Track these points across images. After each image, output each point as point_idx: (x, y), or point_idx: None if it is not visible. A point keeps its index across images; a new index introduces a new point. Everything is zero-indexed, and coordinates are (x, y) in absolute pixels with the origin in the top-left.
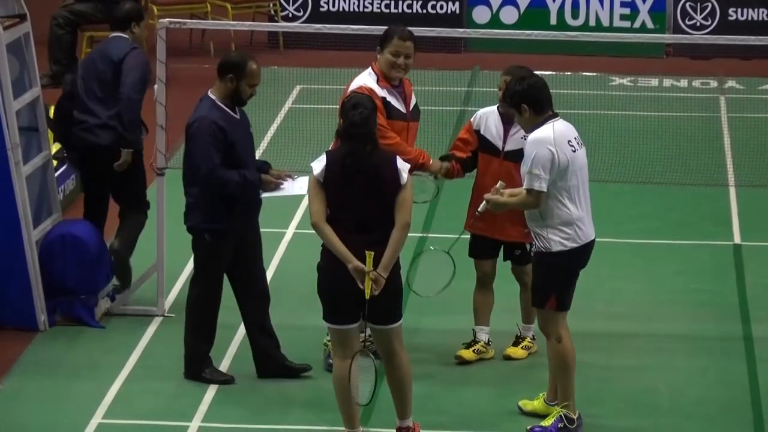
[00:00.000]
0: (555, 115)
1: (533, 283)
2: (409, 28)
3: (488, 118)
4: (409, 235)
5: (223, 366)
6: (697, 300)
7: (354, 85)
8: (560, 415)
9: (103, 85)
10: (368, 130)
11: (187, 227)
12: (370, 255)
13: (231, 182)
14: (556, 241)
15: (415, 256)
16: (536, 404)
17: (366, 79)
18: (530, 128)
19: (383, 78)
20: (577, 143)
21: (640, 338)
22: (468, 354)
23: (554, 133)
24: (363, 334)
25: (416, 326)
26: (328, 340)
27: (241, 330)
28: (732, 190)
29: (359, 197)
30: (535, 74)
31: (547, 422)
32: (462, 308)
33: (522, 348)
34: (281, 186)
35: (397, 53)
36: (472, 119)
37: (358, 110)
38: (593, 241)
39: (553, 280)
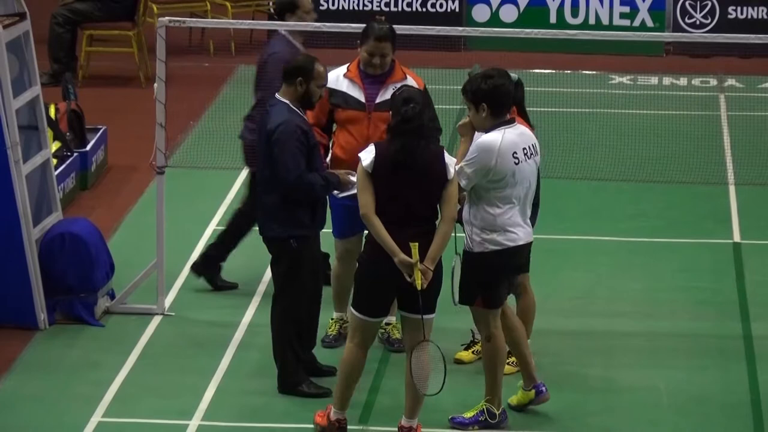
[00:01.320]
0: (510, 121)
1: (459, 280)
2: (388, 24)
3: None
4: None
5: (222, 365)
6: (696, 298)
7: None
8: (483, 409)
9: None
10: (421, 124)
11: (268, 238)
12: (414, 246)
13: (316, 185)
14: (477, 242)
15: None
16: (519, 396)
17: (338, 69)
18: (482, 128)
19: (355, 69)
20: (525, 154)
21: (639, 336)
22: (467, 356)
23: (502, 142)
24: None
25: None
26: (332, 320)
27: (242, 329)
28: (732, 189)
29: (406, 191)
30: (505, 77)
31: (469, 414)
32: (461, 307)
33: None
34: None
35: (372, 53)
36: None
37: (410, 105)
38: (526, 245)
39: (476, 280)
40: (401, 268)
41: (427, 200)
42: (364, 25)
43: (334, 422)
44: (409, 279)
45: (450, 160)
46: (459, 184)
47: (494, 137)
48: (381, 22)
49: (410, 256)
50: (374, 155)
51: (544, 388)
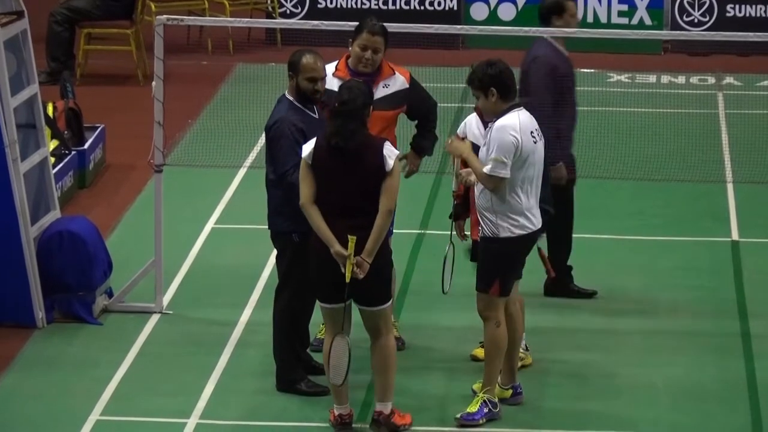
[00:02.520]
0: (518, 105)
1: (478, 267)
2: (383, 23)
3: (471, 122)
4: (408, 231)
5: (221, 362)
6: (695, 296)
7: None
8: (484, 401)
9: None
10: (355, 107)
11: (273, 232)
12: (352, 240)
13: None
14: (505, 227)
15: None
16: (496, 391)
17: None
18: (493, 114)
19: (344, 67)
20: (538, 136)
21: (638, 334)
22: (482, 353)
23: (520, 122)
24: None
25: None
26: (323, 324)
27: (240, 328)
28: (730, 187)
29: (344, 181)
30: (505, 63)
31: (473, 408)
32: (463, 306)
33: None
34: None
35: (365, 47)
36: (458, 131)
37: (349, 90)
38: (540, 229)
39: (499, 266)
40: (336, 258)
41: (364, 191)
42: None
43: (337, 417)
44: (342, 270)
45: (390, 152)
46: (499, 178)
47: (512, 118)
48: (374, 19)
49: (347, 247)
50: (313, 146)
51: (521, 391)
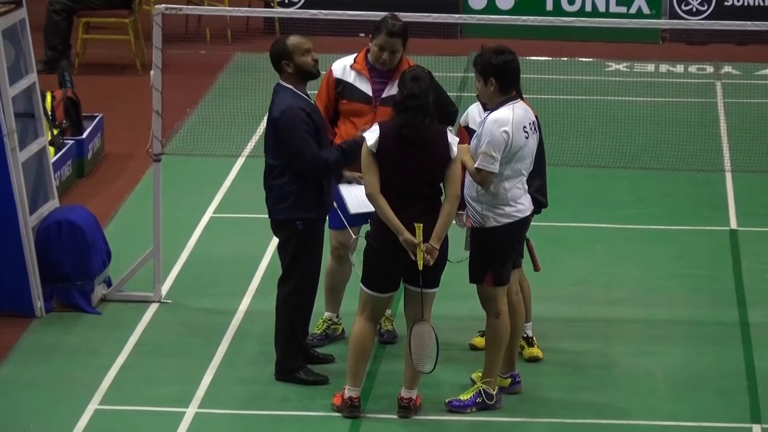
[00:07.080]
0: (516, 97)
1: (470, 259)
2: (402, 21)
3: (473, 111)
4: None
5: (220, 352)
6: (693, 285)
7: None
8: (479, 390)
9: None
10: (426, 102)
11: (277, 220)
12: (419, 227)
13: (333, 159)
14: (490, 217)
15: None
16: (474, 377)
17: (344, 58)
18: (490, 102)
19: (362, 60)
20: (532, 129)
21: (636, 324)
22: (481, 342)
23: (513, 117)
24: None
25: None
26: (322, 319)
27: (238, 317)
28: (728, 176)
29: (411, 169)
30: (515, 54)
31: (465, 396)
32: (465, 296)
33: (538, 347)
34: (360, 182)
35: (382, 48)
36: (461, 121)
37: (417, 83)
38: (531, 215)
39: (488, 256)
40: (405, 246)
41: (431, 179)
42: (360, 13)
43: (347, 400)
44: (413, 257)
45: (453, 139)
46: (487, 171)
47: (506, 113)
48: (395, 18)
49: (414, 234)
50: (378, 134)
51: (519, 380)
